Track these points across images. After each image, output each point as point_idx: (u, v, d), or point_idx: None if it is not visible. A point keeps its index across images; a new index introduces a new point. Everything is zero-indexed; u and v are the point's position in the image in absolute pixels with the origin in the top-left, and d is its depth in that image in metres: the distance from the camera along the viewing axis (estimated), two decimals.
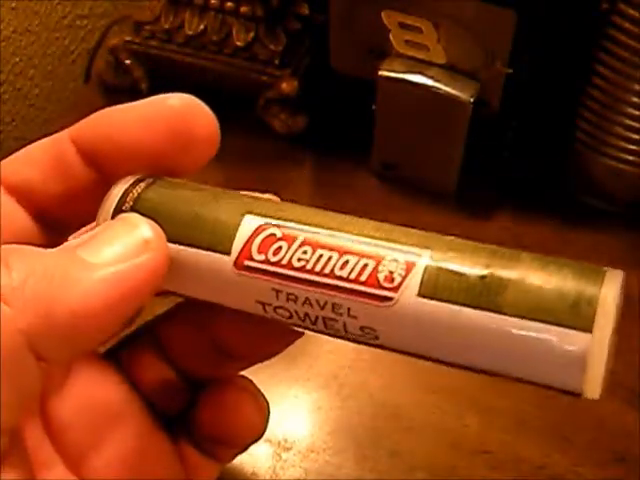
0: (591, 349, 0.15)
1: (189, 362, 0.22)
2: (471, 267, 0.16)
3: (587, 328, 0.15)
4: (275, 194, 0.21)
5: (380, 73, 0.43)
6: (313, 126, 0.50)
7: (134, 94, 0.55)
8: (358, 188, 0.47)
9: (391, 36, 0.43)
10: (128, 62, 0.52)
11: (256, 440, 0.23)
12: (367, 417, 0.38)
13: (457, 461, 0.36)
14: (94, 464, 0.21)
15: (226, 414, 0.22)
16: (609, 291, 0.15)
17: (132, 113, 0.20)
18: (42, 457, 0.20)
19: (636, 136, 0.42)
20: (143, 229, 0.18)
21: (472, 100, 0.42)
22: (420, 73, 0.43)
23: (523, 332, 0.15)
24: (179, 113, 0.19)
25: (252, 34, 0.48)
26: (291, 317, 0.18)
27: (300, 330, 0.19)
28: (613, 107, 0.42)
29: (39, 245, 0.20)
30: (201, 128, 0.19)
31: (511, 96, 0.42)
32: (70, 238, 0.19)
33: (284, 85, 0.48)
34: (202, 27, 0.49)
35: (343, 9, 0.44)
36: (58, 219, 0.20)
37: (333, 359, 0.40)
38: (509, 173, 0.46)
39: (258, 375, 0.23)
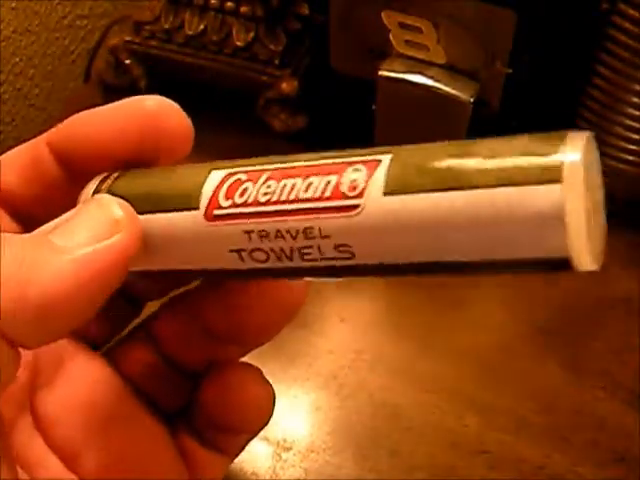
0: (566, 199, 0.14)
1: (185, 354, 0.22)
2: (433, 157, 0.16)
3: (557, 179, 0.14)
4: None
5: (380, 73, 0.43)
6: (313, 126, 0.50)
7: (134, 94, 0.55)
8: None
9: (391, 36, 0.43)
10: (128, 62, 0.52)
11: (263, 425, 0.22)
12: (366, 417, 0.38)
13: (457, 461, 0.36)
14: (89, 462, 0.21)
15: (232, 393, 0.21)
16: (574, 145, 0.15)
17: (104, 115, 0.20)
18: (34, 454, 0.20)
19: (636, 136, 0.42)
20: (113, 209, 0.18)
21: (472, 100, 0.42)
22: (420, 73, 0.43)
23: (494, 200, 0.15)
24: (149, 114, 0.19)
25: (252, 34, 0.48)
26: (268, 259, 0.17)
27: (282, 277, 0.19)
28: (613, 107, 0.42)
29: None
30: (172, 128, 0.20)
31: (511, 96, 0.42)
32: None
33: (284, 85, 0.48)
34: (202, 27, 0.49)
35: (343, 9, 0.44)
36: (37, 220, 0.21)
37: (332, 359, 0.40)
38: None
39: None
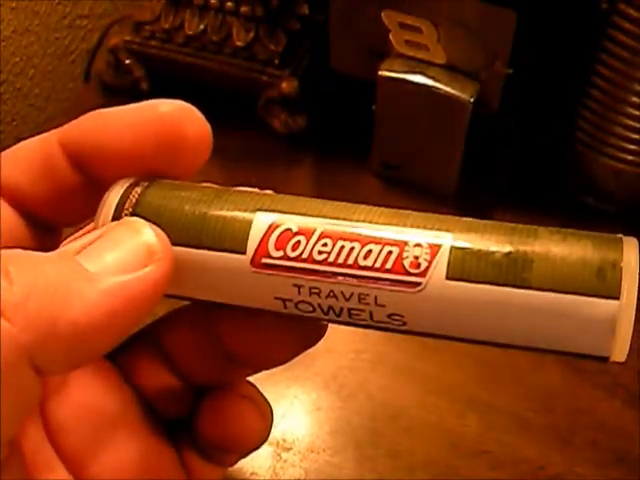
0: (619, 315, 0.15)
1: (192, 367, 0.22)
2: (494, 245, 0.16)
3: (614, 295, 0.15)
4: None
5: (380, 73, 0.43)
6: (313, 126, 0.50)
7: (134, 94, 0.55)
8: (358, 188, 0.47)
9: (391, 36, 0.43)
10: (128, 62, 0.52)
11: (259, 446, 0.22)
12: (367, 417, 0.38)
13: (457, 461, 0.36)
14: (93, 469, 0.21)
15: (227, 423, 0.22)
16: (630, 255, 0.16)
17: (120, 118, 0.19)
18: (43, 459, 0.20)
19: (635, 136, 0.42)
20: (147, 236, 0.17)
21: (472, 100, 0.42)
22: (420, 73, 0.43)
23: (552, 305, 0.16)
24: (168, 119, 0.19)
25: (252, 34, 0.48)
26: (314, 311, 0.17)
27: (321, 321, 0.19)
28: (613, 107, 0.42)
29: (30, 246, 0.19)
30: (191, 134, 0.19)
31: (511, 96, 0.42)
32: (68, 241, 0.18)
33: (284, 85, 0.48)
34: (202, 27, 0.49)
35: (343, 9, 0.44)
36: (47, 220, 0.20)
37: (332, 359, 0.40)
38: (509, 173, 0.46)
39: (257, 375, 0.23)
